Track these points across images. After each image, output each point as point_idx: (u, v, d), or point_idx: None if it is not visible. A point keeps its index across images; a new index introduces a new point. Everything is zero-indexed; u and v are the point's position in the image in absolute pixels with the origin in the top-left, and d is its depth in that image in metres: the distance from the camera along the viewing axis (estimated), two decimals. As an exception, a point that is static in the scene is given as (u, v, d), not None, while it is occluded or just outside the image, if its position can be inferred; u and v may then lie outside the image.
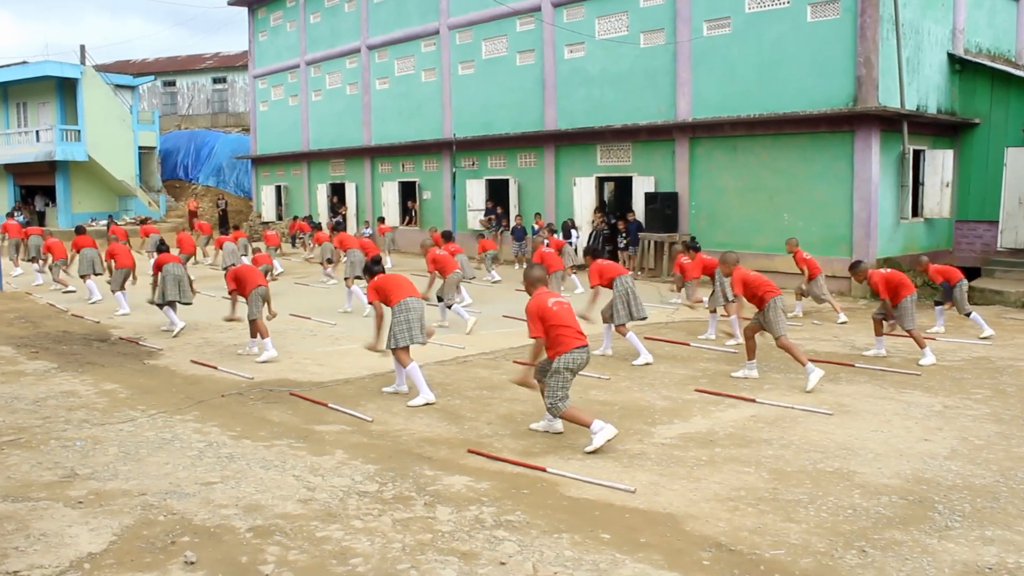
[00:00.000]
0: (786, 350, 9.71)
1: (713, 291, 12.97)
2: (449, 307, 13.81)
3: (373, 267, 9.71)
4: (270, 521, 5.75)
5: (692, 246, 14.17)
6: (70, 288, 18.73)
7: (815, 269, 14.68)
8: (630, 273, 12.03)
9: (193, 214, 38.15)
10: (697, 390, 9.52)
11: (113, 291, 15.64)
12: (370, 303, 9.50)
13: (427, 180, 28.63)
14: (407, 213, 29.35)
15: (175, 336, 13.11)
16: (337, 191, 32.69)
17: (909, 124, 18.28)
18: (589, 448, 7.18)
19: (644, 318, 11.42)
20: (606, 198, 24.57)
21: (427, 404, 8.87)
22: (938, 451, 7.23)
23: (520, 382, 7.82)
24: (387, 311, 9.32)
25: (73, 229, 19.28)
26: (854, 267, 11.80)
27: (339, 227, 21.23)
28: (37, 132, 39.68)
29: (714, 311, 13.05)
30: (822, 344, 12.34)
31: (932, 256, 18.06)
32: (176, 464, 6.96)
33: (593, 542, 5.42)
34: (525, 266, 7.89)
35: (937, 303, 13.64)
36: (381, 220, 27.15)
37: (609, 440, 7.21)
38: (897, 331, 11.64)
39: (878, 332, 11.43)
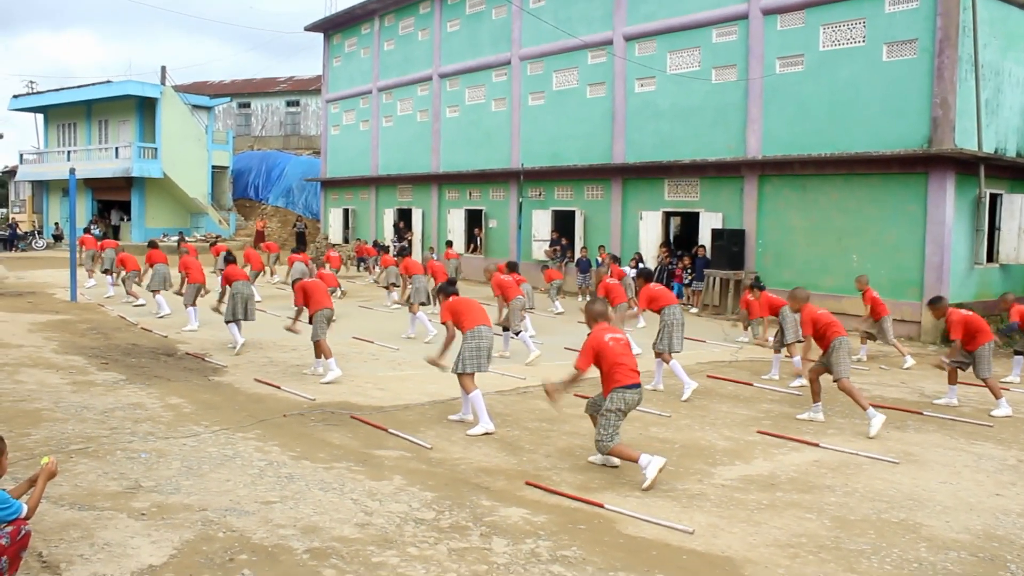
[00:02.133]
0: (847, 392, 9.54)
1: (779, 330, 12.76)
2: (516, 334, 13.67)
3: (448, 288, 9.71)
4: (327, 544, 5.78)
5: (756, 285, 13.96)
6: (140, 302, 19.18)
7: (882, 310, 14.38)
8: (679, 304, 11.92)
9: (261, 234, 38.59)
10: (759, 432, 9.36)
11: (185, 306, 15.95)
12: (443, 323, 9.40)
13: (493, 209, 28.78)
14: (472, 241, 29.51)
15: (237, 353, 13.32)
16: (404, 216, 33.02)
17: (986, 167, 17.89)
18: (645, 485, 7.10)
19: (677, 351, 11.36)
20: (672, 233, 24.43)
21: (486, 434, 8.86)
22: (1011, 507, 7.00)
23: (548, 391, 7.84)
24: (458, 334, 9.34)
25: (146, 244, 19.70)
26: (934, 303, 11.36)
27: (404, 252, 21.37)
28: (116, 149, 40.91)
29: (778, 351, 12.84)
30: (889, 390, 12.06)
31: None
32: (237, 481, 7.04)
33: (650, 582, 5.34)
34: (587, 299, 7.93)
35: (1017, 352, 13.26)
36: (449, 244, 27.19)
37: (660, 469, 7.16)
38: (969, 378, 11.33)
39: (952, 380, 11.09)
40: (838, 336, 9.64)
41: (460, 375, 9.15)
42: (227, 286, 13.99)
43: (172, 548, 5.62)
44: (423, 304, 16.12)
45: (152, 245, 18.97)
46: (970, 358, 10.77)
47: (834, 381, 9.65)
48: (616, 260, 21.20)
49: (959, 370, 10.97)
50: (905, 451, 8.68)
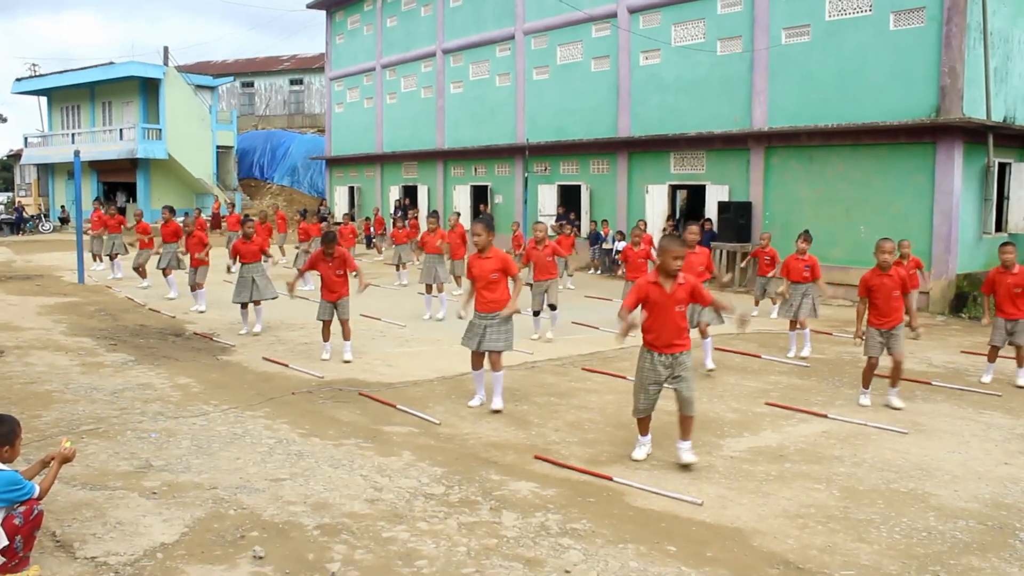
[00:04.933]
0: (896, 369, 9.22)
1: (800, 303, 12.19)
2: (536, 314, 13.49)
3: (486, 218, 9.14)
4: (337, 520, 5.81)
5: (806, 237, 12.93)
6: (145, 283, 19.14)
7: (916, 283, 14.15)
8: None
9: (216, 217, 36.25)
10: (768, 403, 9.36)
11: (191, 287, 15.97)
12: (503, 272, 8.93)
13: (499, 184, 28.73)
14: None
15: (255, 334, 13.26)
16: (409, 193, 32.99)
17: (995, 136, 17.79)
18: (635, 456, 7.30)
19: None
20: (678, 206, 24.36)
21: (480, 405, 8.94)
22: (1020, 476, 6.99)
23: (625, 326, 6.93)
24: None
25: (162, 212, 19.11)
26: (1006, 245, 10.49)
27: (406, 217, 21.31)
28: (121, 130, 40.91)
29: (794, 327, 12.37)
30: (898, 360, 12.03)
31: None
32: (247, 459, 7.07)
33: (659, 554, 5.36)
34: (664, 236, 7.08)
35: None
36: (457, 215, 26.85)
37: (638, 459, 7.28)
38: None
39: (992, 358, 10.64)
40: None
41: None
42: (234, 258, 13.82)
43: (183, 526, 5.65)
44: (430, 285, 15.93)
45: (170, 210, 18.56)
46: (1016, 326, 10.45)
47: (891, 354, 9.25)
48: (623, 237, 21.17)
49: (998, 349, 10.60)
50: (914, 421, 8.67)
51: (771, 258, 15.85)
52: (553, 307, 13.42)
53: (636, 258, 14.05)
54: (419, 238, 17.53)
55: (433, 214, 19.10)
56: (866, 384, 9.43)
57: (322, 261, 11.45)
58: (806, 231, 13.01)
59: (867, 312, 9.36)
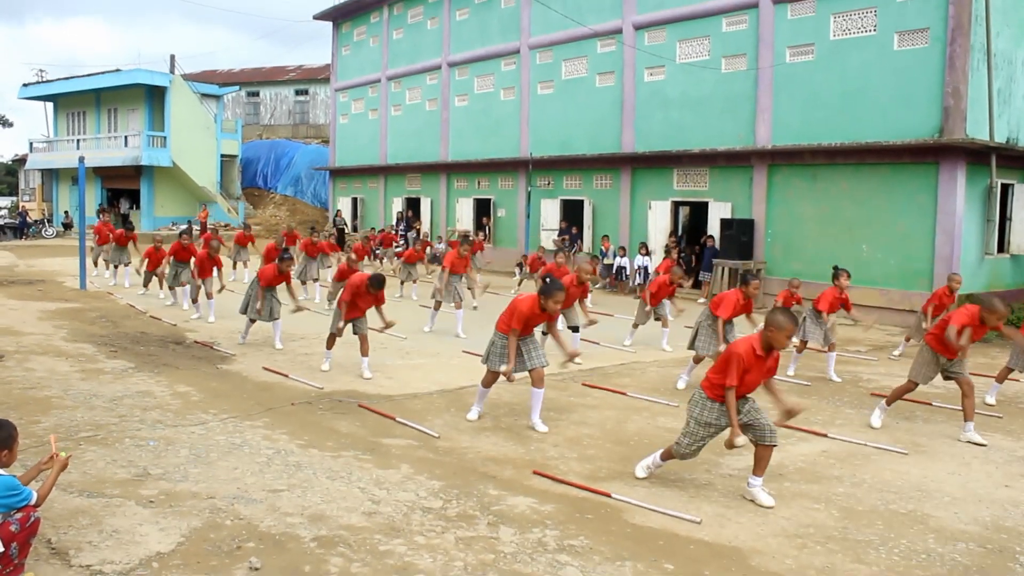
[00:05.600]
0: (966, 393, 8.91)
1: (826, 329, 12.02)
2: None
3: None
4: (334, 532, 5.78)
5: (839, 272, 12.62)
6: (141, 291, 19.11)
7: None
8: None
9: (204, 226, 35.78)
10: (767, 422, 9.32)
11: (193, 300, 15.99)
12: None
13: (502, 198, 28.76)
14: (481, 230, 29.48)
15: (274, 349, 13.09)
16: (412, 205, 33.02)
17: (998, 157, 17.80)
18: (641, 474, 7.23)
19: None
20: (681, 223, 24.38)
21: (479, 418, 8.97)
22: (1020, 498, 6.96)
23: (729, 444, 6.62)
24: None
25: (179, 234, 18.51)
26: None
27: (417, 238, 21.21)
28: (126, 137, 41.01)
29: (801, 350, 12.26)
30: (898, 380, 11.98)
31: (1015, 295, 17.57)
32: (245, 469, 7.05)
33: (656, 572, 5.34)
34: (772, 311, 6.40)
35: None
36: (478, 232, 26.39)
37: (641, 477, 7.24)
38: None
39: (1001, 379, 10.72)
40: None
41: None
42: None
43: (180, 535, 5.63)
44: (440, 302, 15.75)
45: (185, 234, 18.26)
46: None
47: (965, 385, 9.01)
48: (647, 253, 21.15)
49: (1011, 370, 10.66)
50: (914, 442, 8.65)
51: (798, 303, 14.90)
52: (576, 329, 13.13)
53: (669, 291, 13.94)
54: (438, 254, 17.34)
55: (464, 236, 19.20)
56: (890, 402, 9.35)
57: (362, 294, 11.06)
58: (845, 270, 12.66)
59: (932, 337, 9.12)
